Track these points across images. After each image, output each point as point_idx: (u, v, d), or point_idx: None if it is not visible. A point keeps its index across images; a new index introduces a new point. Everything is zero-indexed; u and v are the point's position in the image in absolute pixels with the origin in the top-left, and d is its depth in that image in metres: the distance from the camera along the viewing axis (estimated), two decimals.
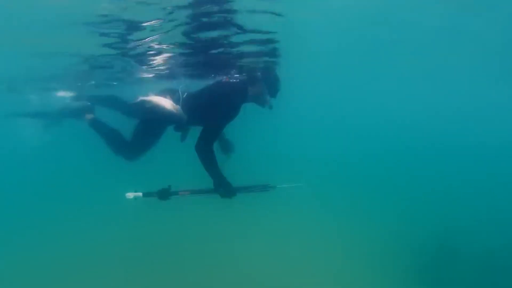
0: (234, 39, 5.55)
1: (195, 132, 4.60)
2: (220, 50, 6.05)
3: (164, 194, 4.40)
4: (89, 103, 5.42)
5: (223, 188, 4.36)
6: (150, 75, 7.96)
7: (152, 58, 6.50)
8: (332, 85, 15.11)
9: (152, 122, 4.93)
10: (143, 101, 4.88)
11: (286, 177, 5.13)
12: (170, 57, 6.46)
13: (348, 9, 4.96)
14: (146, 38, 5.19)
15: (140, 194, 4.39)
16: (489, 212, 10.80)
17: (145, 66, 7.15)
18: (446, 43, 7.69)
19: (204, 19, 4.58)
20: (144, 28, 4.75)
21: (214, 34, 5.20)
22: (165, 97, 4.89)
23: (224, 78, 6.95)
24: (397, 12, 5.18)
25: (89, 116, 5.31)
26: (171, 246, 8.56)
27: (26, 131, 6.30)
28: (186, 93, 4.96)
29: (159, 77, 8.06)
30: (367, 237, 8.99)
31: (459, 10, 5.27)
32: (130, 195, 4.36)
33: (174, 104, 4.81)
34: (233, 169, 4.68)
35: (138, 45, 5.58)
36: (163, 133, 5.06)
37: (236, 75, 6.86)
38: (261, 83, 4.84)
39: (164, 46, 5.73)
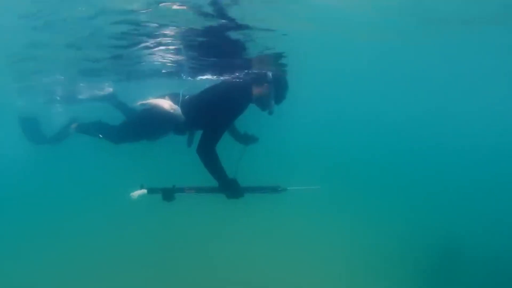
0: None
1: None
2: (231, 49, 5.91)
3: (168, 194, 4.25)
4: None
5: (229, 189, 4.19)
6: (157, 72, 7.86)
7: (160, 54, 6.37)
8: (345, 85, 15.09)
9: (149, 121, 4.87)
10: (142, 104, 4.85)
11: (297, 179, 4.90)
12: (177, 53, 6.31)
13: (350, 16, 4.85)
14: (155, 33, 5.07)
15: (145, 191, 4.28)
16: (494, 215, 10.68)
17: (153, 61, 7.00)
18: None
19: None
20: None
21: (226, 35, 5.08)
22: (164, 99, 4.79)
23: (228, 78, 7.02)
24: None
25: (74, 126, 5.55)
26: (174, 247, 8.47)
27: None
28: (187, 96, 4.85)
29: (166, 74, 7.97)
30: (370, 241, 8.86)
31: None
32: (135, 194, 4.27)
33: (173, 105, 4.67)
34: (243, 168, 4.51)
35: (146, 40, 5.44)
36: (159, 133, 4.95)
37: (243, 75, 6.74)
38: (270, 86, 4.66)
39: (171, 41, 5.56)
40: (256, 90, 4.72)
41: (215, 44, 5.58)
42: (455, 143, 25.72)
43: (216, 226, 9.26)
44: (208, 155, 4.10)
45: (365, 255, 8.06)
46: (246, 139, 5.25)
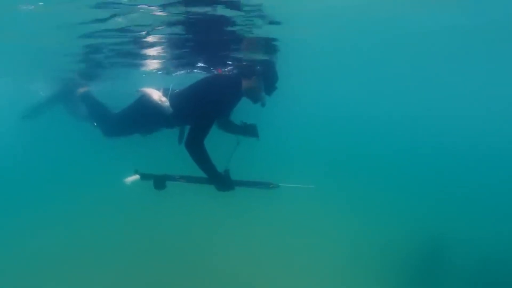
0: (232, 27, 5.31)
1: None
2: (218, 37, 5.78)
3: (160, 182, 4.26)
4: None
5: (219, 182, 4.19)
6: (145, 67, 7.86)
7: (146, 48, 6.34)
8: (340, 81, 14.99)
9: (137, 108, 4.85)
10: (137, 91, 4.83)
11: (291, 175, 4.93)
12: (165, 45, 6.24)
13: (348, 9, 4.82)
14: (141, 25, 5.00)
15: (138, 177, 4.29)
16: (483, 216, 10.66)
17: (140, 57, 7.02)
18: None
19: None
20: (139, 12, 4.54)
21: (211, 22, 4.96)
22: (158, 90, 4.76)
23: (217, 71, 6.94)
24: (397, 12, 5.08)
25: (82, 90, 5.49)
26: (162, 242, 8.38)
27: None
28: (177, 90, 4.81)
29: (155, 69, 7.97)
30: (360, 240, 8.79)
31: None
32: (128, 180, 4.28)
33: (162, 97, 4.63)
34: (236, 161, 4.49)
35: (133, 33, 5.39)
36: (147, 124, 4.90)
37: (231, 68, 6.65)
38: (259, 78, 4.61)
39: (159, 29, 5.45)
40: (245, 83, 4.67)
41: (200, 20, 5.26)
42: (448, 144, 25.79)
43: (206, 220, 9.25)
44: (196, 149, 4.08)
45: (354, 255, 8.02)
46: (245, 131, 5.08)
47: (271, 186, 4.28)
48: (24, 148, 19.00)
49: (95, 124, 5.18)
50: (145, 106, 4.66)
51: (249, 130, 4.99)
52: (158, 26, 5.15)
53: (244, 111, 5.00)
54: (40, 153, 18.54)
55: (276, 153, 17.59)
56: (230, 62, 6.86)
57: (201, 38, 5.89)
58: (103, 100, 5.44)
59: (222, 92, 4.48)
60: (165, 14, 4.55)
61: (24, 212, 10.33)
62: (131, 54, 6.80)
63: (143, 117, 4.83)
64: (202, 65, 7.32)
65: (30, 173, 15.32)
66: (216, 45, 6.29)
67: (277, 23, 5.30)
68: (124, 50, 6.44)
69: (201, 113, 4.26)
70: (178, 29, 5.32)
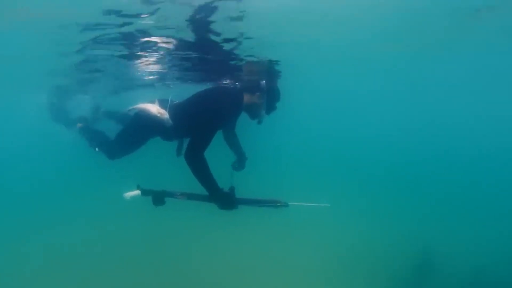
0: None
1: None
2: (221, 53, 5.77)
3: (158, 198, 4.06)
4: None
5: (220, 199, 3.94)
6: (145, 79, 7.81)
7: (147, 59, 6.26)
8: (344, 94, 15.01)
9: (136, 125, 4.81)
10: (131, 109, 4.80)
11: (300, 193, 4.66)
12: (166, 60, 6.26)
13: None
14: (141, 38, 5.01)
15: (139, 192, 4.12)
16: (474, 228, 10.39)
17: (140, 70, 7.01)
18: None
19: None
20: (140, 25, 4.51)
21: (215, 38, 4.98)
22: (153, 103, 4.69)
23: (218, 84, 6.99)
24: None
25: (79, 125, 5.65)
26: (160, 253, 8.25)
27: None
28: (176, 101, 4.76)
29: (154, 82, 7.97)
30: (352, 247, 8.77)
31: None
32: (128, 195, 4.13)
33: (160, 109, 4.55)
34: (241, 177, 4.32)
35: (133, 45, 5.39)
36: (147, 138, 4.86)
37: (235, 82, 6.64)
38: (262, 95, 4.53)
39: (161, 44, 5.47)
40: (247, 98, 4.59)
41: (201, 54, 5.61)
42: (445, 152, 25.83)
43: (205, 235, 9.13)
44: (195, 161, 3.88)
45: (346, 262, 7.97)
46: (238, 162, 5.27)
47: (278, 204, 3.95)
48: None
49: (96, 149, 5.21)
50: (143, 122, 4.62)
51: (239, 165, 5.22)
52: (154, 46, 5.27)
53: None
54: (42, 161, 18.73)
55: (283, 167, 17.52)
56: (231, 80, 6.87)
57: (202, 57, 5.94)
58: (101, 128, 5.54)
59: (223, 103, 4.34)
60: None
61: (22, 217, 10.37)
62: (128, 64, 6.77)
63: (143, 133, 4.77)
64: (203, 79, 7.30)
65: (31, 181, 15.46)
66: (217, 66, 6.38)
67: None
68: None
69: (202, 123, 4.11)
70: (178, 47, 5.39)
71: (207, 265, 7.74)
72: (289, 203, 3.96)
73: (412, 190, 15.63)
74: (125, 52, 5.69)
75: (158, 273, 7.48)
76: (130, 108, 4.78)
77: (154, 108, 4.53)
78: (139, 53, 5.78)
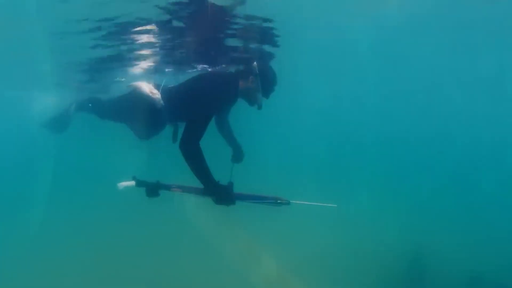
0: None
1: None
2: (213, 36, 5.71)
3: (152, 190, 3.95)
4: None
5: (216, 193, 3.78)
6: (137, 69, 7.81)
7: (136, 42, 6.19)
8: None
9: (127, 99, 4.84)
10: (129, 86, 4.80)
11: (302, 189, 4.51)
12: (156, 43, 6.17)
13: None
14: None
15: (133, 183, 4.01)
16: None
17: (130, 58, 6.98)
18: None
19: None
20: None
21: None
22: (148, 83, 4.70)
23: (212, 69, 6.97)
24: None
25: (73, 106, 5.74)
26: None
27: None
28: (169, 85, 4.67)
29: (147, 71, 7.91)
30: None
31: None
32: (121, 185, 4.02)
33: (153, 89, 4.51)
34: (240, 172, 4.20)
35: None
36: (137, 117, 4.75)
37: (227, 66, 6.58)
38: (256, 79, 4.35)
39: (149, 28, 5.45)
40: (242, 84, 4.44)
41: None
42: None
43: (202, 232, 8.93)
44: (189, 150, 3.70)
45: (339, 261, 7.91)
46: (234, 155, 5.23)
47: (279, 202, 3.76)
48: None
49: (90, 105, 5.39)
50: (134, 97, 4.57)
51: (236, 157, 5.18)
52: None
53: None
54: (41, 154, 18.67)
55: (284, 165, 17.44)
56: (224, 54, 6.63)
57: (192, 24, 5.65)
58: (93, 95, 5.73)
59: (218, 88, 4.20)
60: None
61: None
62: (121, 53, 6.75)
63: (132, 107, 4.70)
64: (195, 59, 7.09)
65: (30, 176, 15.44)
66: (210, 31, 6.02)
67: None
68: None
69: (196, 109, 3.97)
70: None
71: (204, 264, 7.67)
72: (291, 201, 3.77)
73: (412, 190, 15.55)
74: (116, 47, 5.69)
75: (151, 270, 7.46)
76: (128, 85, 4.78)
77: (147, 87, 4.48)
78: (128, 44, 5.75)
